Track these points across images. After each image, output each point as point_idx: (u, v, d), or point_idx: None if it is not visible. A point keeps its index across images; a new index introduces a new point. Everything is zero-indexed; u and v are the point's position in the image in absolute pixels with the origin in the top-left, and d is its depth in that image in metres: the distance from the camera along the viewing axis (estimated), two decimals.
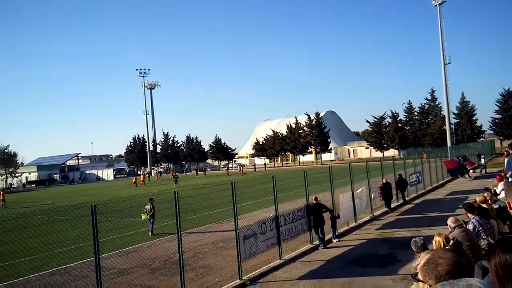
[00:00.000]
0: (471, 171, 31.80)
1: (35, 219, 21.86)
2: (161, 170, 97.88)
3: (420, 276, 2.09)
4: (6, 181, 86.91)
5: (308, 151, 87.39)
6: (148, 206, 17.54)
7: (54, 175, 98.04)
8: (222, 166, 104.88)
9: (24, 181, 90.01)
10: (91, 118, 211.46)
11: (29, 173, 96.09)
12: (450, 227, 6.46)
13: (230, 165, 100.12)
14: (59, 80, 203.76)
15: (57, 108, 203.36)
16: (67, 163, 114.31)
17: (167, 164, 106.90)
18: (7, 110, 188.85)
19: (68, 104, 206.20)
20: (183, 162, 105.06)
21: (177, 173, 62.34)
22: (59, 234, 15.12)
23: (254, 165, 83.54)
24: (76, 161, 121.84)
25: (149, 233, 17.10)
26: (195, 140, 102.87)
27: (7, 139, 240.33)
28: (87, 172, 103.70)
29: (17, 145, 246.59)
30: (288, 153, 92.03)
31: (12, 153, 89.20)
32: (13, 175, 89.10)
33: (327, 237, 13.52)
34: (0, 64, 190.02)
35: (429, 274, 2.01)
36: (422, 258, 2.15)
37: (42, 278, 11.29)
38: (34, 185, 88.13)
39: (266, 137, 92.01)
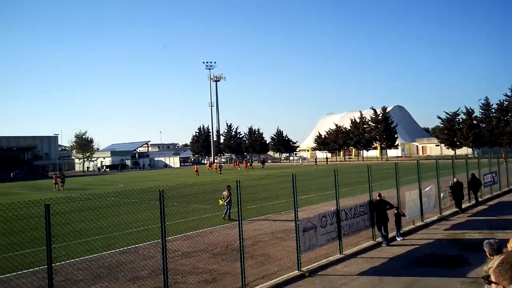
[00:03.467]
0: None
1: (109, 200, 23.48)
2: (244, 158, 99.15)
3: (493, 278, 1.98)
4: (83, 164, 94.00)
5: (373, 146, 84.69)
6: (225, 193, 18.13)
7: (126, 161, 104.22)
8: (283, 158, 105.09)
9: (99, 165, 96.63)
10: (160, 108, 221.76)
11: (104, 158, 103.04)
12: None
13: (291, 158, 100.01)
14: (131, 73, 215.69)
15: (130, 98, 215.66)
16: (138, 150, 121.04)
17: (229, 154, 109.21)
18: (86, 100, 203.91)
19: (140, 95, 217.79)
20: (245, 153, 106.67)
21: (221, 164, 65.51)
22: (129, 215, 16.10)
23: (315, 159, 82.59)
24: (146, 148, 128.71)
25: (225, 217, 17.81)
26: (257, 132, 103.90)
27: (85, 126, 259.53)
28: (156, 159, 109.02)
29: (93, 131, 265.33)
30: (351, 147, 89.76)
31: (89, 139, 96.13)
32: (89, 159, 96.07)
33: (390, 235, 13.09)
34: (81, 62, 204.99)
35: (503, 275, 1.90)
36: (496, 260, 2.04)
37: (114, 256, 12.11)
38: (108, 169, 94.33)
39: (329, 131, 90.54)
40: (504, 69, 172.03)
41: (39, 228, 8.13)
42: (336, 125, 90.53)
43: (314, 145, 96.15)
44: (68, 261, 11.49)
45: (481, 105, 74.31)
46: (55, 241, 8.42)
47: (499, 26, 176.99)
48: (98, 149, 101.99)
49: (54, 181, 42.71)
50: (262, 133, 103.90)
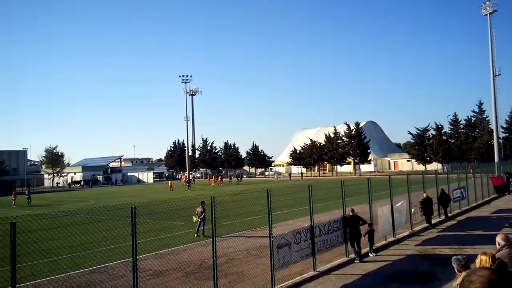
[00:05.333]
0: None
1: (78, 217, 22.79)
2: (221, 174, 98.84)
3: None
4: (53, 180, 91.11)
5: (346, 161, 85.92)
6: (199, 209, 17.85)
7: (98, 176, 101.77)
8: (258, 173, 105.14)
9: (69, 180, 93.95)
10: (134, 122, 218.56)
11: (75, 173, 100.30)
12: (499, 244, 6.03)
13: (266, 173, 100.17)
14: (104, 85, 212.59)
15: (103, 112, 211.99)
16: (110, 165, 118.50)
17: (204, 169, 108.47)
18: (57, 113, 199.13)
19: (113, 108, 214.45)
20: (220, 168, 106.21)
21: (190, 179, 65.44)
22: (99, 233, 15.66)
23: (290, 174, 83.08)
24: (119, 163, 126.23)
25: (196, 235, 17.49)
26: (232, 147, 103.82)
27: (56, 140, 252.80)
28: (129, 174, 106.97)
29: (64, 146, 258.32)
30: (326, 162, 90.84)
31: (59, 154, 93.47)
32: (59, 174, 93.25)
33: (363, 251, 13.19)
34: (52, 74, 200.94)
35: None
36: (460, 277, 2.10)
37: (82, 276, 11.70)
38: (79, 185, 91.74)
39: (304, 146, 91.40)
40: (471, 85, 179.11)
41: (3, 247, 7.80)
42: (311, 140, 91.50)
43: (289, 160, 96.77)
44: (34, 281, 11.01)
45: (450, 121, 76.92)
46: (20, 261, 8.10)
47: (468, 44, 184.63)
48: (69, 164, 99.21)
49: (13, 197, 41.25)
50: (237, 148, 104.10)
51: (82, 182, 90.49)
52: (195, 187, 62.25)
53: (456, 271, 5.66)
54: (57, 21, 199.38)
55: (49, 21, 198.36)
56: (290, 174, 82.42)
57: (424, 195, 18.15)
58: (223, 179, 79.41)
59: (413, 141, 77.96)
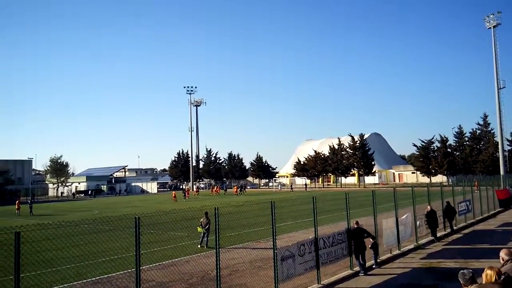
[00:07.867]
0: None
1: (82, 227, 22.80)
2: (202, 185, 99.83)
3: None
4: (57, 189, 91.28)
5: (351, 173, 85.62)
6: (203, 220, 17.81)
7: (102, 186, 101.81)
8: (262, 184, 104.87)
9: (73, 190, 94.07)
10: (139, 132, 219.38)
11: (79, 183, 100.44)
12: (503, 260, 6.03)
13: (270, 184, 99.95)
14: (110, 96, 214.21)
15: (108, 122, 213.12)
16: (115, 175, 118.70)
17: (208, 180, 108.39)
18: (62, 123, 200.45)
19: (118, 118, 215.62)
20: (224, 179, 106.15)
21: (185, 190, 66.49)
22: (103, 243, 15.65)
23: (291, 185, 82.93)
24: (123, 173, 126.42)
25: (199, 246, 17.43)
26: (236, 158, 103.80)
27: (60, 150, 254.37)
28: (133, 184, 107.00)
29: (69, 156, 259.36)
30: (330, 174, 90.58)
31: (64, 163, 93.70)
32: (64, 184, 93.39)
33: (368, 264, 13.07)
34: (57, 84, 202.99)
35: None
36: None
37: (85, 286, 11.66)
38: (83, 194, 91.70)
39: (308, 157, 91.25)
40: (476, 98, 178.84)
41: (7, 256, 7.81)
42: (315, 151, 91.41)
43: (293, 171, 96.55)
44: None
45: (455, 133, 76.62)
46: (24, 270, 8.10)
47: (472, 56, 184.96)
48: (73, 174, 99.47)
49: (16, 206, 41.48)
50: (241, 158, 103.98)
51: (90, 192, 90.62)
52: (199, 197, 62.19)
53: (462, 285, 5.61)
54: (59, 27, 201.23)
55: (50, 26, 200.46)
56: (291, 186, 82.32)
57: (428, 207, 18.04)
58: (228, 189, 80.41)
59: (417, 153, 77.66)
